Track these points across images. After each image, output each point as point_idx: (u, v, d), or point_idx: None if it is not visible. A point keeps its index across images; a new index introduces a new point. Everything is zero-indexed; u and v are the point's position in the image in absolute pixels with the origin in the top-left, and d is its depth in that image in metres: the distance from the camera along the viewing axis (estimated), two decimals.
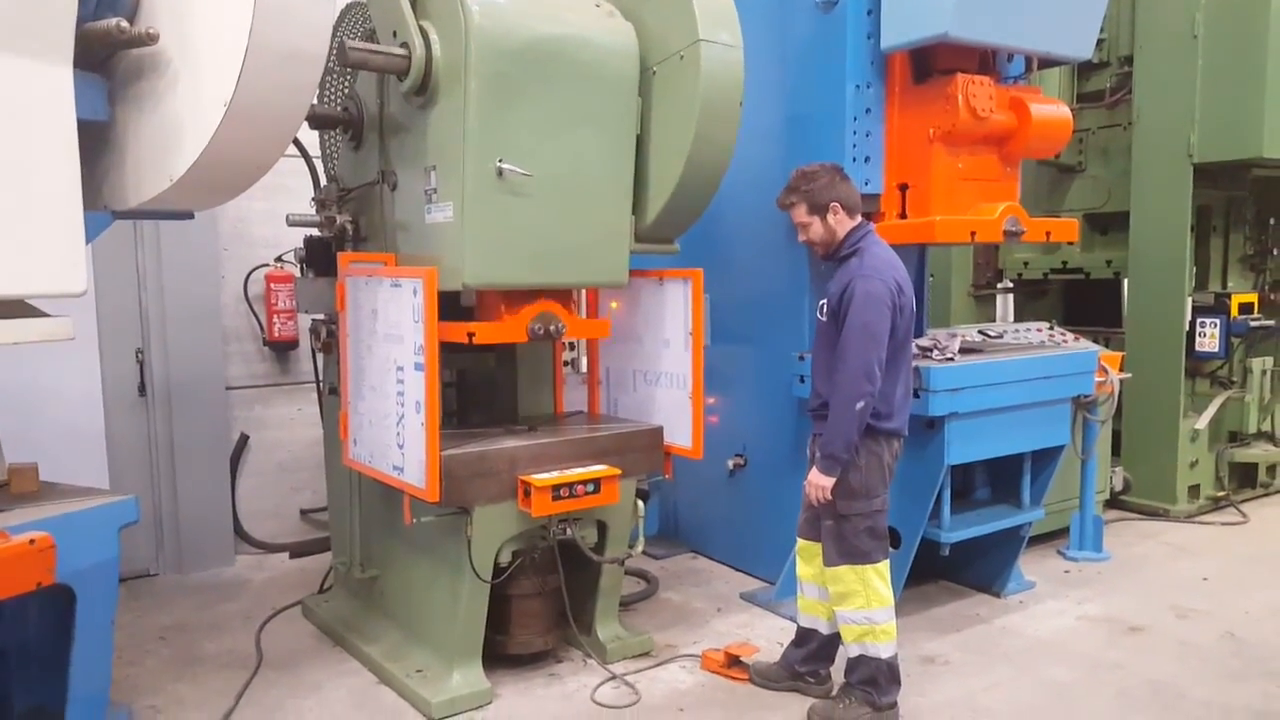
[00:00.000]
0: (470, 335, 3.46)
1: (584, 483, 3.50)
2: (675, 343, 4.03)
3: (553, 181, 3.49)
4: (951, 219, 4.18)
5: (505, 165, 3.35)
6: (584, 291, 4.32)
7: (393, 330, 3.40)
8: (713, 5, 3.57)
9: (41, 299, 2.86)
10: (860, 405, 3.28)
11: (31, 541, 2.56)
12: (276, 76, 2.72)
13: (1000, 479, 4.81)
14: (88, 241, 3.02)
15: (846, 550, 3.44)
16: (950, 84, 4.17)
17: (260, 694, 3.69)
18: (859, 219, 3.54)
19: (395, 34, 3.44)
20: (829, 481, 3.36)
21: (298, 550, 5.49)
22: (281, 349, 5.62)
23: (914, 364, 3.88)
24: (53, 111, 2.71)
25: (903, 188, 4.38)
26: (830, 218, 3.47)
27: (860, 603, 3.43)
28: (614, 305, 4.36)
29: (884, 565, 3.47)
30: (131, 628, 4.37)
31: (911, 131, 4.33)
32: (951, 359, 4.19)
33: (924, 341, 4.29)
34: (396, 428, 3.39)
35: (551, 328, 3.60)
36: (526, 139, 3.42)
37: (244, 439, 5.56)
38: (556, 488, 3.43)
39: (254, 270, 5.51)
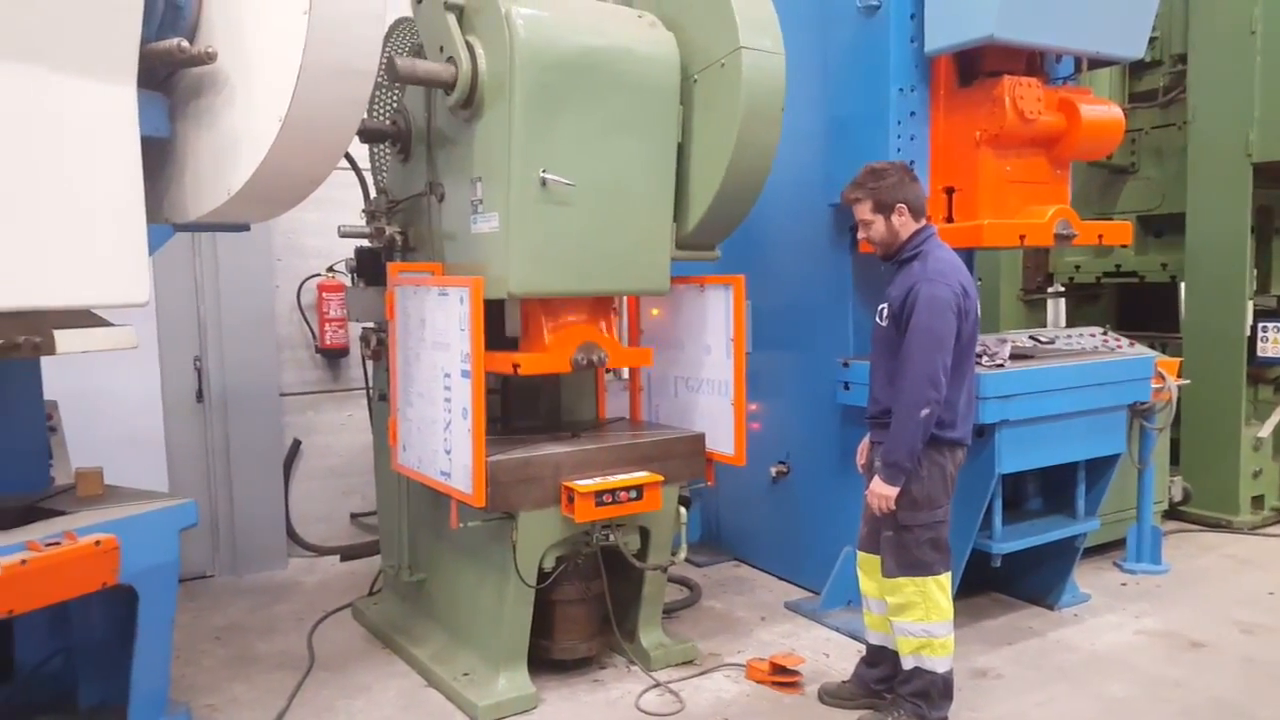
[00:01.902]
0: (515, 366, 3.52)
1: (627, 489, 3.52)
2: (717, 349, 4.04)
3: (595, 190, 3.53)
4: (1000, 223, 4.13)
5: (548, 175, 3.39)
6: (625, 298, 4.35)
7: (440, 338, 3.46)
8: (754, 12, 3.58)
9: (106, 309, 2.97)
10: (925, 413, 3.22)
11: (97, 543, 2.67)
12: (329, 92, 2.79)
13: (1054, 488, 4.72)
14: (150, 254, 3.14)
15: (908, 562, 3.38)
16: (997, 86, 4.12)
17: (312, 694, 3.77)
18: (923, 222, 3.48)
19: (442, 49, 3.51)
20: (893, 491, 3.30)
21: (348, 553, 5.59)
22: (333, 356, 5.75)
23: None
24: (118, 129, 2.81)
25: (949, 191, 4.33)
26: (895, 218, 3.41)
27: (919, 615, 3.38)
28: (655, 312, 4.39)
29: (945, 578, 3.41)
30: (189, 628, 4.49)
31: (957, 135, 4.28)
32: (1002, 365, 4.14)
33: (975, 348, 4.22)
34: (444, 433, 3.45)
35: (594, 358, 3.64)
36: (569, 149, 3.46)
37: (296, 444, 5.69)
38: (600, 494, 3.46)
39: (306, 280, 5.65)
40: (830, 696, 3.67)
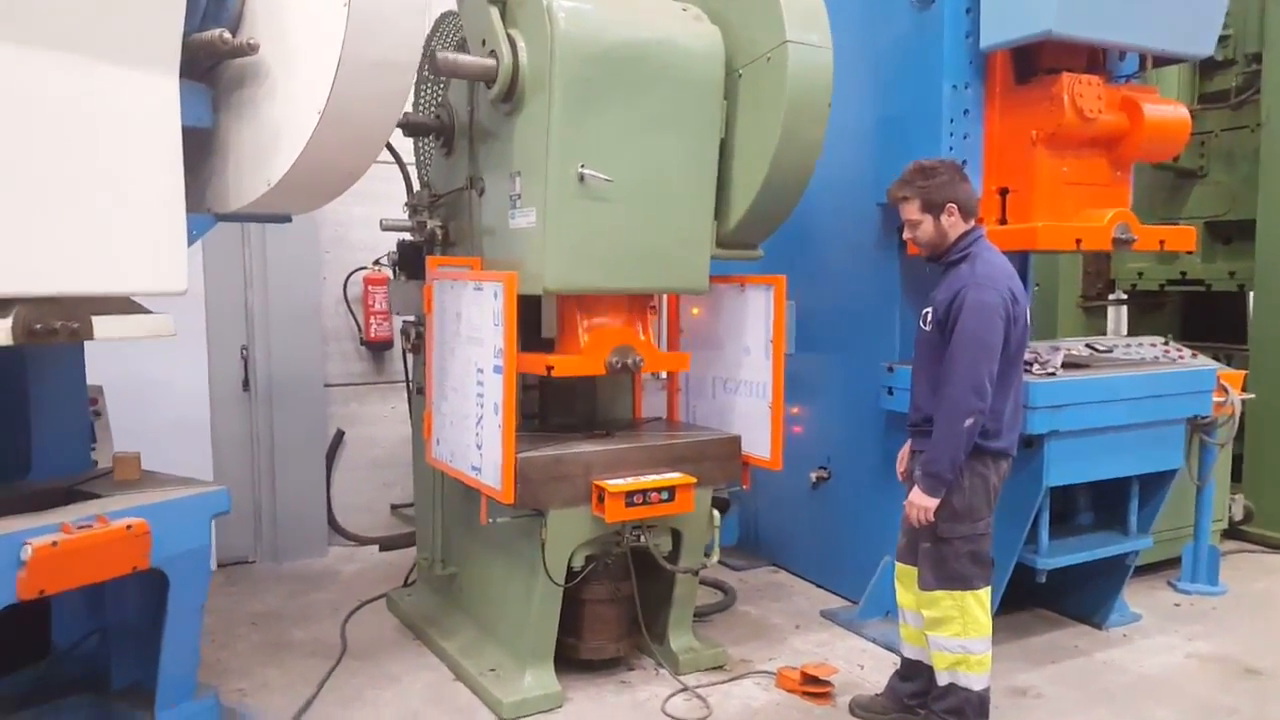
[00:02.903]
0: (549, 368, 3.49)
1: (658, 490, 3.47)
2: (756, 350, 3.96)
3: (635, 186, 3.48)
4: (1055, 225, 3.99)
5: (587, 171, 3.36)
6: (665, 296, 4.29)
7: (474, 333, 3.44)
8: (801, 5, 3.50)
9: (146, 297, 3.01)
10: (969, 423, 3.10)
11: (129, 527, 2.70)
12: (368, 86, 2.79)
13: (1106, 503, 4.54)
14: (192, 242, 3.17)
15: (946, 575, 3.27)
16: (1055, 83, 3.98)
17: (341, 683, 3.79)
18: (973, 223, 3.36)
19: (484, 42, 3.50)
20: (932, 503, 3.19)
21: (387, 544, 5.64)
22: (377, 349, 5.80)
23: None
24: (159, 118, 2.84)
25: (1003, 192, 4.20)
26: (944, 219, 3.29)
27: (956, 630, 3.27)
28: (695, 311, 4.33)
29: (985, 592, 3.29)
30: (227, 612, 4.57)
31: (1013, 133, 4.14)
32: (1054, 374, 3.99)
33: (1025, 355, 4.07)
34: (476, 429, 3.43)
35: (630, 361, 3.59)
36: (609, 144, 3.42)
37: (340, 435, 5.75)
38: (630, 494, 3.41)
39: (353, 273, 5.71)
40: (862, 710, 3.57)
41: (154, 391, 4.96)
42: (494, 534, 3.63)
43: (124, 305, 3.00)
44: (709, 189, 3.68)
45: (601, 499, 3.42)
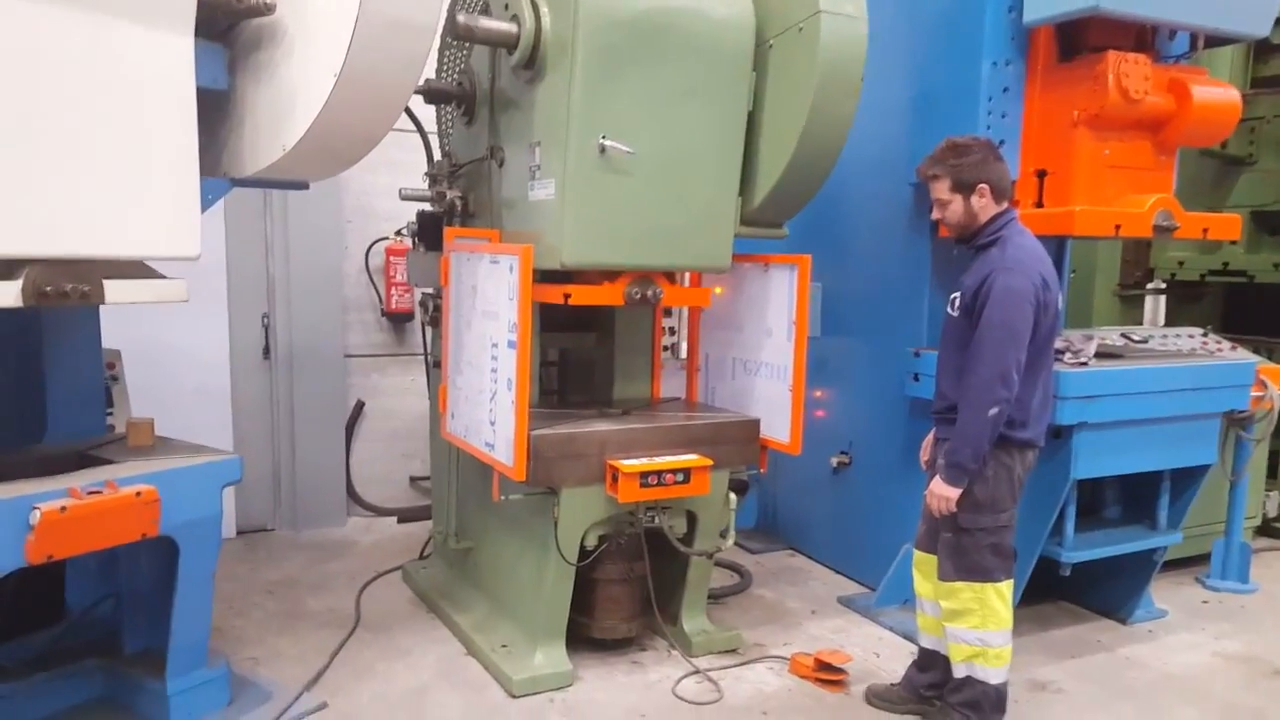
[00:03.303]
0: (566, 296, 3.40)
1: (673, 471, 3.41)
2: (778, 332, 3.88)
3: (657, 160, 3.39)
4: (1094, 210, 3.84)
5: (608, 142, 3.27)
6: (687, 276, 4.21)
7: (490, 307, 3.39)
8: None
9: (159, 261, 2.98)
10: (994, 412, 3.01)
11: (138, 494, 2.69)
12: (386, 47, 2.71)
13: (1135, 497, 4.41)
14: (207, 207, 3.13)
15: (966, 566, 3.20)
16: (1100, 62, 3.82)
17: (354, 654, 3.79)
18: (1005, 205, 3.24)
19: (507, 6, 3.41)
20: (954, 493, 3.11)
21: (405, 516, 5.64)
22: (398, 320, 5.78)
23: None
24: (173, 79, 2.79)
25: (1040, 174, 4.05)
26: (975, 199, 3.18)
27: (975, 622, 3.19)
28: (716, 291, 4.23)
29: (1006, 585, 3.22)
30: (245, 580, 4.59)
31: (1054, 113, 3.99)
32: (1085, 363, 3.86)
33: (1057, 343, 3.95)
34: (489, 404, 3.39)
35: (650, 292, 3.50)
36: (632, 115, 3.33)
37: (360, 405, 5.74)
38: (645, 475, 3.36)
39: (375, 243, 5.67)
40: (878, 699, 3.51)
41: (175, 357, 4.97)
42: (508, 511, 3.60)
43: (137, 269, 2.97)
44: (734, 164, 3.58)
45: (615, 479, 3.37)
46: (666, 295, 3.59)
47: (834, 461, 4.84)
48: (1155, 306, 7.40)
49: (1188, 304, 6.98)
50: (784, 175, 3.56)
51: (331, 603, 4.33)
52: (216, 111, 3.13)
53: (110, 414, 3.91)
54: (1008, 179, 3.28)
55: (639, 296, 3.50)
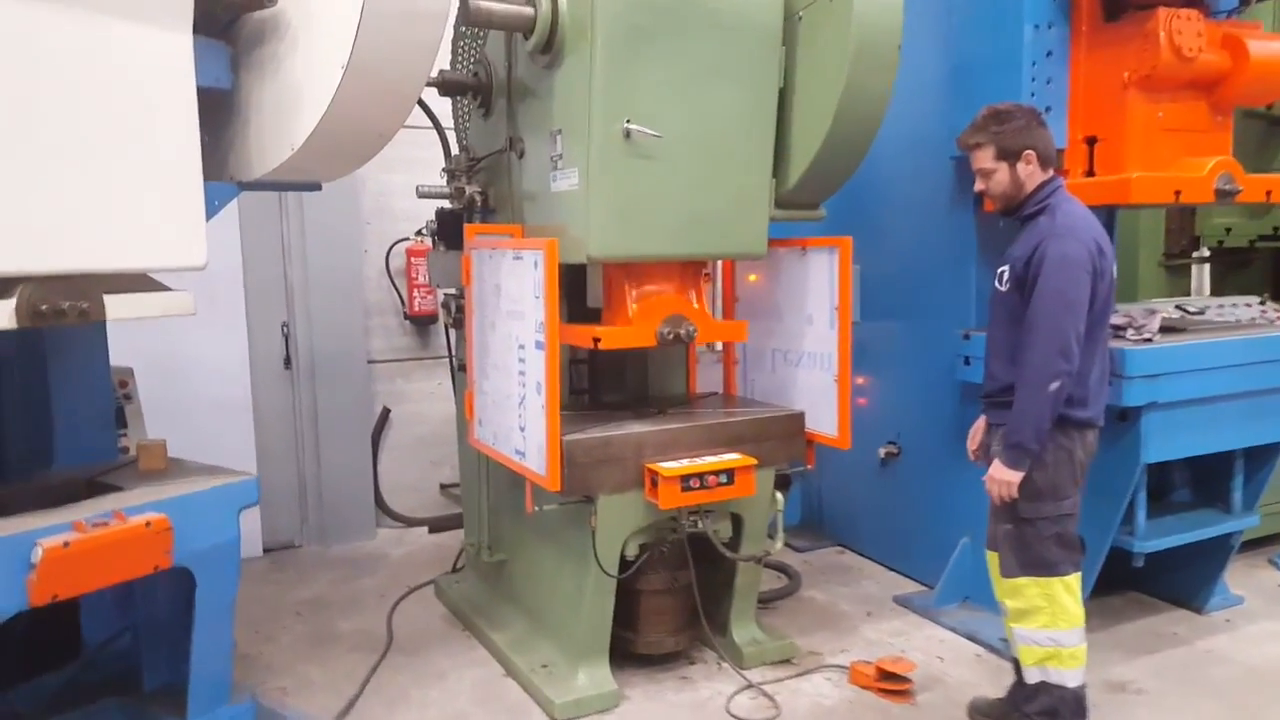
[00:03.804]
0: (596, 340, 3.24)
1: (716, 473, 3.20)
2: (819, 319, 3.66)
3: (685, 143, 3.19)
4: (1151, 175, 3.58)
5: (633, 126, 3.07)
6: (719, 262, 4.00)
7: (515, 306, 3.19)
8: None
9: (164, 273, 2.81)
10: (1055, 386, 2.81)
11: (148, 524, 2.51)
12: (395, 36, 2.54)
13: (1204, 477, 4.15)
14: (214, 213, 2.98)
15: (1030, 560, 2.99)
16: (1151, 20, 3.56)
17: (386, 680, 3.62)
18: (1051, 172, 3.06)
19: None
20: (1015, 477, 2.90)
21: (436, 525, 5.48)
22: (422, 323, 5.62)
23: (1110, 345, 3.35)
24: (172, 78, 2.63)
25: (1090, 141, 3.79)
26: (1021, 167, 3.00)
27: (1044, 621, 2.98)
28: (752, 278, 4.03)
29: (1074, 579, 3.00)
30: (272, 601, 4.43)
31: (1102, 76, 3.73)
32: (1150, 340, 3.61)
33: (1117, 319, 3.71)
34: (518, 409, 3.19)
35: (682, 331, 3.32)
36: (657, 97, 3.12)
37: (386, 412, 5.58)
38: (686, 478, 3.15)
39: (395, 244, 5.51)
40: (981, 716, 3.25)
41: (193, 370, 4.83)
42: (542, 521, 3.40)
43: (141, 282, 2.81)
44: (767, 144, 3.37)
45: (655, 483, 3.17)
46: (702, 331, 3.39)
47: (881, 452, 4.62)
48: (1201, 275, 7.10)
49: (1234, 272, 6.67)
50: (819, 154, 3.35)
51: (362, 623, 4.17)
52: (221, 112, 2.97)
53: (124, 434, 3.77)
54: (1053, 145, 3.09)
55: (671, 336, 3.31)
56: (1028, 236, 2.99)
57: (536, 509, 3.20)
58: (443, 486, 5.73)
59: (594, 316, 3.55)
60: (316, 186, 3.57)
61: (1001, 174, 3.02)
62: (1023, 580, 3.00)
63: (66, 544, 2.30)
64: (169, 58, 2.61)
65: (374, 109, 2.74)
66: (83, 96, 2.41)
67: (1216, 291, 6.60)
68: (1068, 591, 2.98)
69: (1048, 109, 3.76)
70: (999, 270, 3.08)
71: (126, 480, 2.86)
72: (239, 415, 5.00)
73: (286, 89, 2.78)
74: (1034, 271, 2.88)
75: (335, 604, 4.41)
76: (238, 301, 4.98)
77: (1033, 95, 3.72)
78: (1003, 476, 2.93)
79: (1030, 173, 3.00)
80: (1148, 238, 6.87)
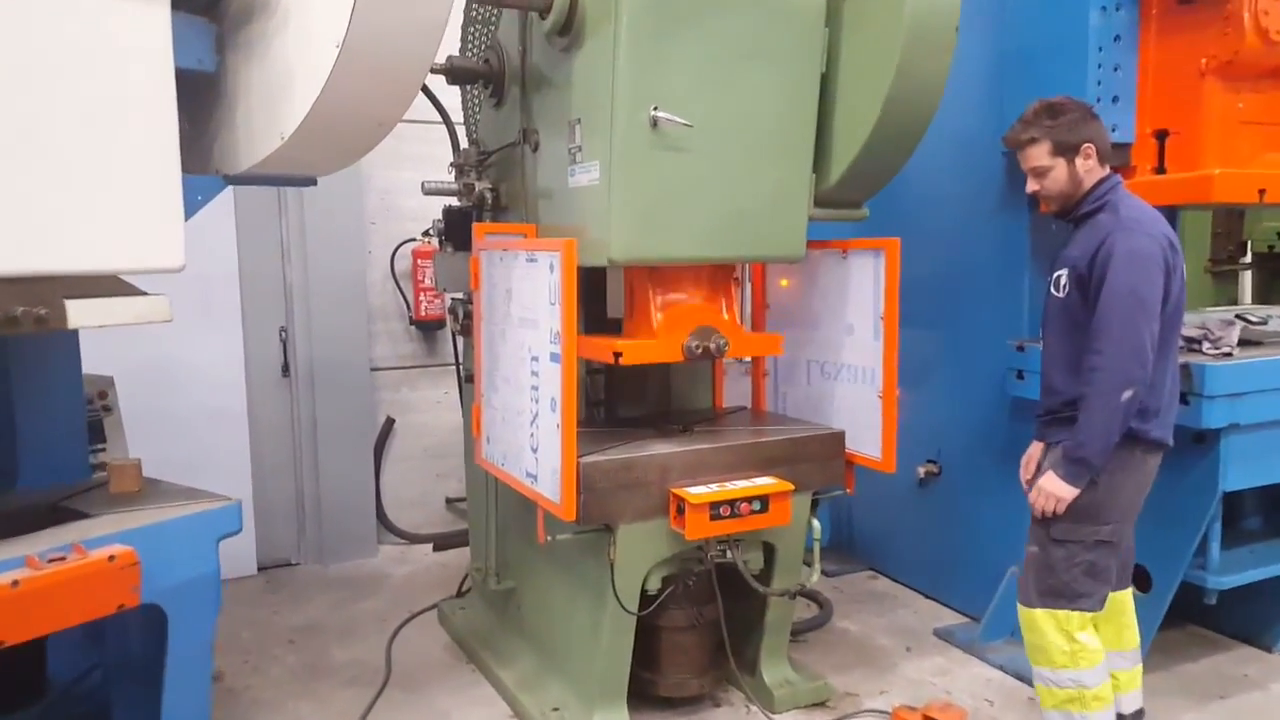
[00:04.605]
0: (616, 355, 2.93)
1: (749, 499, 2.89)
2: (862, 329, 3.34)
3: (718, 134, 2.88)
4: (1235, 173, 3.26)
5: (661, 114, 2.76)
6: (746, 268, 3.69)
7: (527, 313, 2.88)
8: None
9: (137, 275, 2.52)
10: (1128, 395, 2.55)
11: (111, 558, 2.22)
12: (396, 11, 2.25)
13: (1276, 504, 3.81)
14: (196, 209, 2.73)
15: (1051, 588, 2.72)
16: (1231, 0, 3.23)
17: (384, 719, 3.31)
18: (1107, 169, 2.81)
19: None
20: (1071, 493, 2.64)
21: (441, 542, 5.17)
22: (428, 328, 5.33)
23: (1183, 359, 3.03)
24: (147, 58, 2.34)
25: (1160, 135, 3.47)
26: (1080, 162, 2.74)
27: (1064, 661, 2.71)
28: (784, 283, 3.71)
29: (1094, 616, 2.74)
30: (265, 626, 4.14)
31: (1175, 63, 3.41)
32: (1229, 354, 3.27)
33: (1190, 330, 3.37)
34: (530, 428, 2.88)
35: (712, 345, 3.02)
36: (687, 83, 2.81)
37: (389, 423, 5.29)
38: (715, 505, 2.84)
39: (401, 245, 5.22)
40: None
41: (186, 378, 4.55)
42: (555, 547, 3.09)
43: (111, 286, 2.52)
44: (806, 136, 3.05)
45: (681, 511, 2.86)
46: (733, 345, 3.08)
47: (920, 471, 4.29)
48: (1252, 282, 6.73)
49: (1277, 278, 6.30)
50: (865, 147, 3.03)
51: (360, 652, 3.86)
52: (206, 98, 2.69)
53: (103, 449, 3.48)
54: (1108, 140, 2.83)
55: (700, 350, 3.00)
56: (1088, 235, 2.72)
57: (549, 539, 2.89)
58: (449, 501, 5.42)
59: (614, 327, 3.24)
60: (311, 181, 3.26)
61: (1059, 171, 2.76)
62: (1039, 613, 2.74)
63: (16, 583, 2.00)
64: (143, 34, 2.32)
65: (372, 94, 2.44)
66: (40, 76, 2.12)
67: (1260, 300, 6.25)
68: (1085, 628, 2.71)
69: (1115, 99, 3.46)
70: (1054, 276, 2.81)
71: (95, 505, 2.57)
72: (234, 425, 4.71)
73: (276, 71, 2.48)
74: (1100, 270, 2.61)
75: (331, 630, 4.11)
76: (233, 305, 4.70)
77: (1099, 84, 3.41)
78: (1056, 490, 2.66)
79: (1089, 168, 2.75)
80: (1192, 242, 6.50)
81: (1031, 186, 2.84)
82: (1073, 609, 2.69)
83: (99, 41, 2.23)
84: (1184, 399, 2.96)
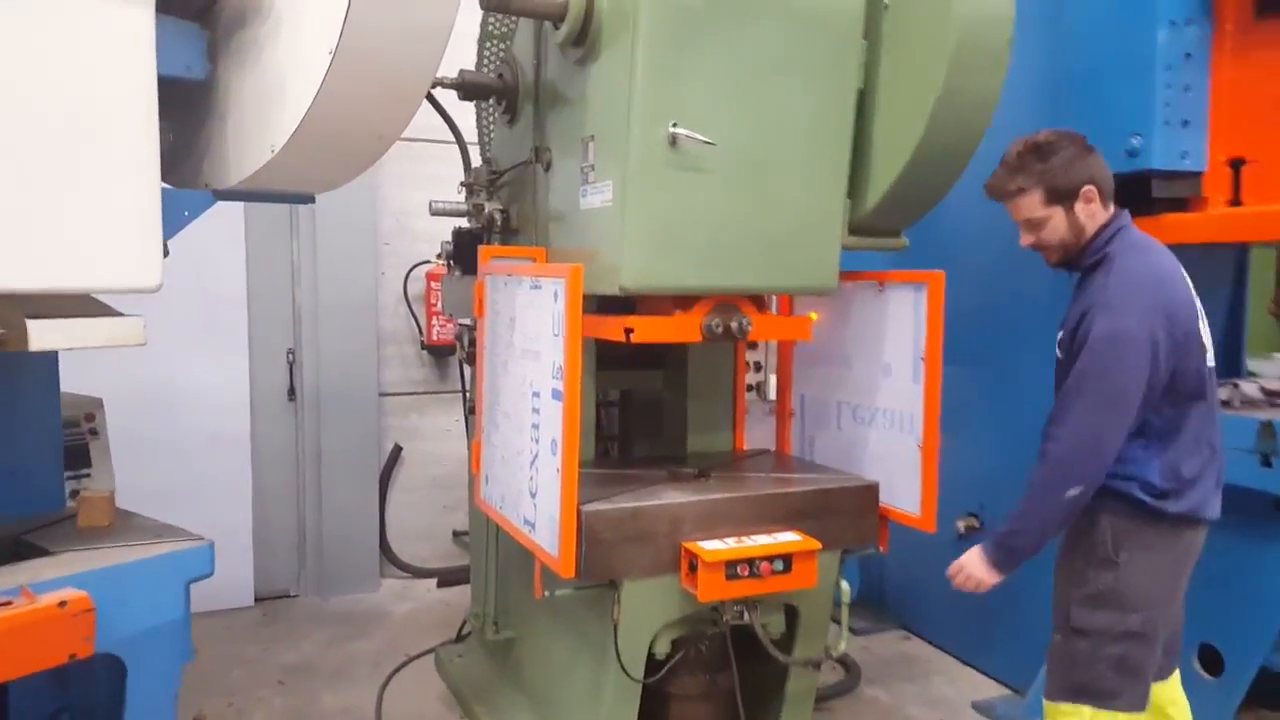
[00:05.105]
0: (628, 331, 2.65)
1: (770, 558, 2.60)
2: (900, 371, 3.05)
3: (743, 153, 2.63)
4: None
5: (681, 130, 2.52)
6: (775, 299, 3.43)
7: (530, 344, 2.64)
8: None
9: (105, 294, 2.34)
10: (1074, 493, 2.30)
11: (62, 604, 2.00)
12: (394, 16, 2.08)
13: None
14: (182, 225, 2.54)
15: (1079, 685, 2.41)
16: None
17: None
18: (1112, 209, 2.48)
19: None
20: (994, 579, 2.46)
21: (446, 578, 4.93)
22: (440, 353, 5.13)
23: (1264, 415, 2.71)
24: (125, 62, 2.18)
25: (1236, 164, 3.16)
26: (1080, 207, 2.44)
27: None
28: (813, 316, 3.42)
29: (1133, 717, 2.39)
30: (255, 665, 3.92)
31: (1253, 84, 3.13)
32: None
33: (1273, 383, 3.05)
34: (529, 470, 2.63)
35: (734, 323, 2.74)
36: (711, 97, 2.57)
37: (397, 450, 5.08)
38: (732, 563, 2.56)
39: (415, 267, 5.05)
40: None
41: (188, 400, 4.40)
42: (557, 599, 2.83)
43: (82, 305, 2.33)
44: (840, 157, 2.79)
45: (694, 568, 2.58)
46: (756, 327, 2.81)
47: (960, 525, 3.98)
48: None
49: None
50: (906, 170, 2.76)
51: (351, 698, 3.63)
52: (197, 108, 2.54)
53: (87, 474, 3.29)
54: (1109, 173, 2.49)
55: (720, 329, 2.73)
56: (1083, 296, 2.45)
57: (546, 594, 2.63)
58: (456, 534, 5.19)
59: (628, 306, 2.90)
60: (309, 199, 3.08)
61: (1057, 220, 2.47)
62: (1065, 707, 2.42)
63: None
64: (121, 37, 2.16)
65: (369, 104, 2.26)
66: (11, 80, 1.97)
67: None
68: None
69: (1185, 123, 3.16)
70: (1058, 335, 2.52)
71: (58, 540, 2.38)
72: (236, 451, 4.54)
73: (268, 79, 2.32)
74: (1077, 347, 2.34)
75: (324, 672, 3.87)
76: (240, 326, 4.54)
77: (1166, 105, 3.13)
78: (977, 573, 2.47)
79: (1093, 212, 2.45)
80: (1255, 283, 6.12)
81: (1026, 240, 2.56)
82: (1104, 708, 2.37)
83: (71, 43, 2.07)
84: (1268, 461, 2.64)
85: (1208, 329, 2.43)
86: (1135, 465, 2.35)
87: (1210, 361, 2.42)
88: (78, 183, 2.11)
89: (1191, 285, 2.44)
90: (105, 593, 2.10)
